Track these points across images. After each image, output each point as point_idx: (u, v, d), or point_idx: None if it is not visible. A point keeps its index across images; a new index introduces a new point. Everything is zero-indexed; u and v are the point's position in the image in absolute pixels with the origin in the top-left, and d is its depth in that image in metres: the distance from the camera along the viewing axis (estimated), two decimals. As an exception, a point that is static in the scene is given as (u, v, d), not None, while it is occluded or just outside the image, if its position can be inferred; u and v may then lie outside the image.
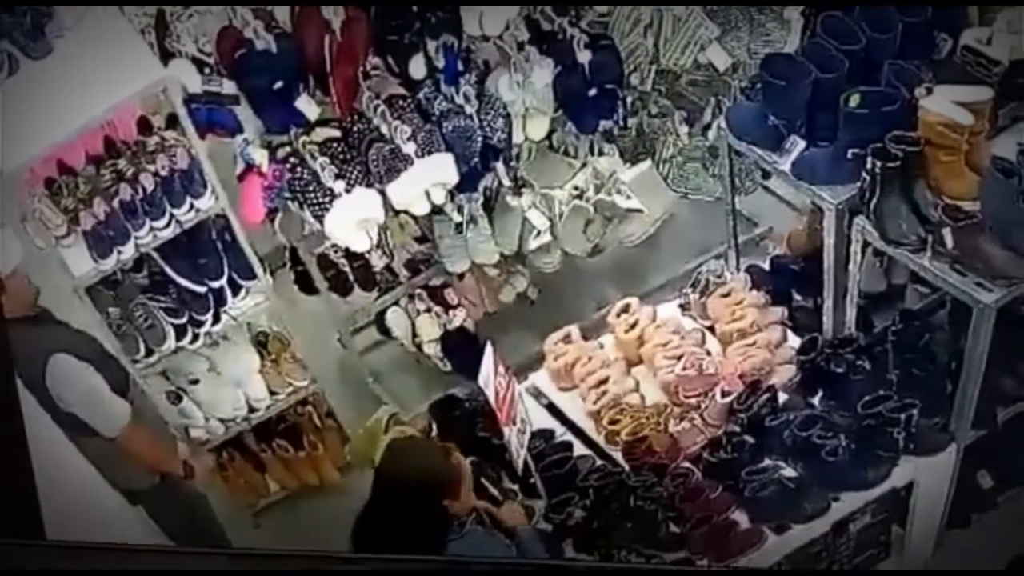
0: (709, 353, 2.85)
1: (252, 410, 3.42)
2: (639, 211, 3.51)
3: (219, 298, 3.18)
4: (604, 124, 3.32)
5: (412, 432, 2.84)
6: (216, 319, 3.18)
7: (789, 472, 2.56)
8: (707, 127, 3.46)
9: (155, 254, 3.06)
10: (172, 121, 2.98)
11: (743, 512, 2.53)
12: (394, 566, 1.99)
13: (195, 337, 3.17)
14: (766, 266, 3.15)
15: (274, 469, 3.58)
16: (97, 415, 2.74)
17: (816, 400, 2.70)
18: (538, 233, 3.26)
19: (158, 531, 2.92)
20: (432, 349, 3.59)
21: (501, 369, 2.43)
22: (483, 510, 2.38)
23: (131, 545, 2.29)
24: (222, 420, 3.38)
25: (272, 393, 3.42)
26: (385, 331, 3.69)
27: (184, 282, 3.11)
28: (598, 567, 2.26)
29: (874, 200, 2.46)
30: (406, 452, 2.26)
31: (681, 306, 3.07)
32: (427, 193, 3.11)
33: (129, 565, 1.74)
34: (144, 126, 3.01)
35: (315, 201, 3.11)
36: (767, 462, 2.60)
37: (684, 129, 3.46)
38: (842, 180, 2.57)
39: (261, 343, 3.47)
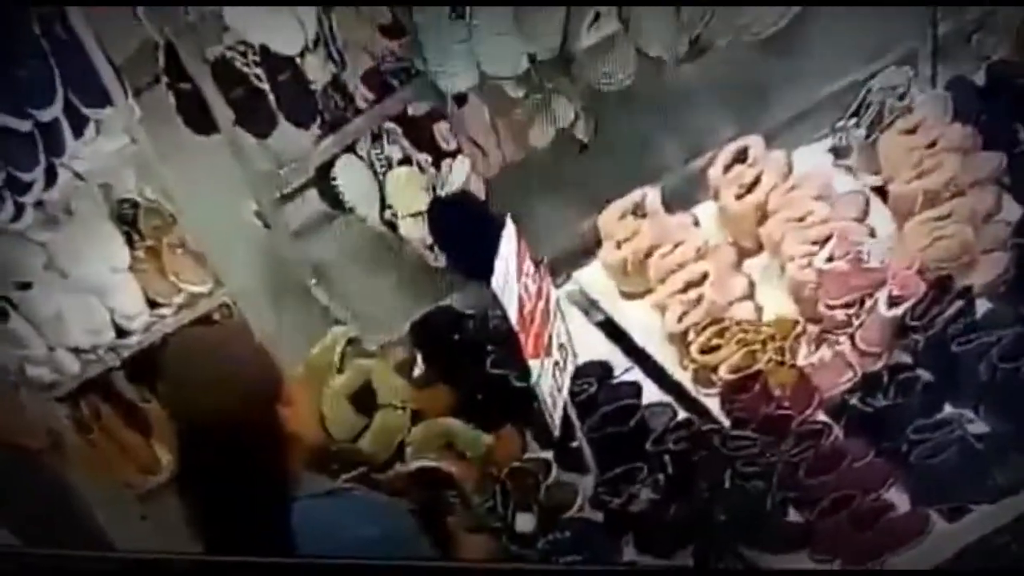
0: (874, 233, 3.20)
1: (122, 333, 3.76)
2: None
3: (53, 141, 3.46)
4: None
5: (378, 365, 3.29)
6: (51, 178, 3.47)
7: (980, 427, 2.90)
8: None
9: None
10: None
11: (902, 490, 2.90)
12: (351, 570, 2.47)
13: (19, 210, 3.47)
14: (980, 80, 3.41)
15: (165, 428, 3.74)
16: None
17: (1034, 311, 3.01)
18: (597, 18, 3.51)
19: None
20: (413, 229, 3.87)
21: (528, 264, 2.71)
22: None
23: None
24: (75, 350, 3.72)
25: (153, 305, 3.77)
26: (334, 198, 3.97)
27: None
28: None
29: None
30: (185, 352, 2.56)
31: (833, 150, 3.40)
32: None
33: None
34: None
35: None
36: (948, 411, 2.95)
37: None
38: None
39: (127, 220, 3.82)
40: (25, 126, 3.46)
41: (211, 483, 2.55)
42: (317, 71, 3.78)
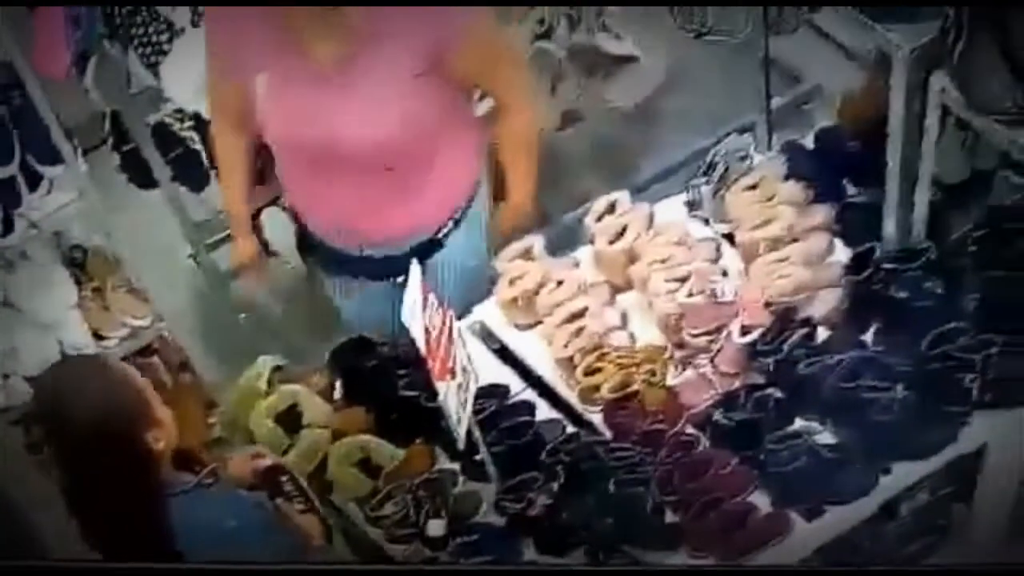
0: (726, 273, 3.06)
1: None
2: (632, 59, 3.69)
3: (9, 194, 3.30)
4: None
5: (301, 390, 3.06)
6: (8, 227, 3.31)
7: (827, 437, 2.79)
8: (735, -68, 3.61)
9: None
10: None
11: (764, 492, 2.77)
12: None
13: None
14: (809, 143, 3.34)
15: None
16: None
17: (868, 337, 2.92)
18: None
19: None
20: None
21: (433, 299, 2.58)
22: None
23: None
24: (28, 379, 3.52)
25: (98, 338, 3.60)
26: (261, 242, 3.86)
27: None
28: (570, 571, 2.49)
29: (959, 47, 2.63)
30: (50, 392, 2.41)
31: (688, 204, 3.25)
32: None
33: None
34: None
35: (146, 40, 3.24)
36: (799, 424, 2.83)
37: (703, -67, 3.61)
38: (917, 16, 2.73)
39: (76, 264, 3.64)
40: None
41: (93, 498, 2.39)
42: None
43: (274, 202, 3.73)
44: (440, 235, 3.05)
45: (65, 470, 2.41)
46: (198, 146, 3.62)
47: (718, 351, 2.92)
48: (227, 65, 2.89)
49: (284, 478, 2.66)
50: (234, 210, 3.23)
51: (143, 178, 3.65)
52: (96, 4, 3.26)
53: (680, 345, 3.00)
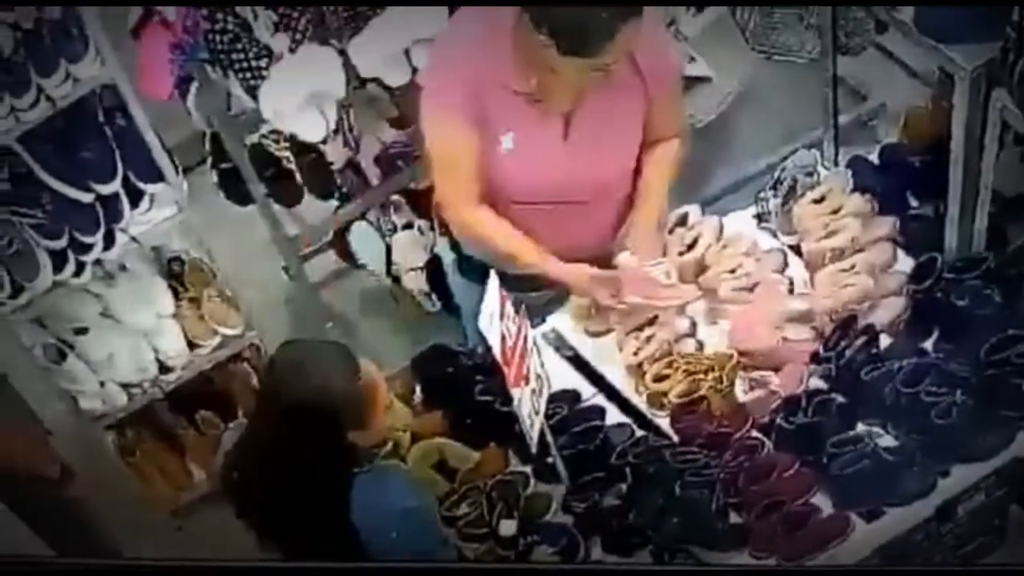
0: (792, 282, 3.12)
1: (165, 370, 3.69)
2: (705, 79, 3.76)
3: (112, 210, 3.40)
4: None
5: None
6: (109, 241, 3.42)
7: (887, 441, 2.84)
8: (804, -43, 3.67)
9: (18, 146, 3.27)
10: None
11: (826, 494, 2.82)
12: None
13: (80, 267, 3.41)
14: (874, 159, 3.39)
15: (198, 451, 3.86)
16: None
17: (929, 344, 2.97)
18: None
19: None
20: (414, 281, 3.87)
21: (510, 308, 2.64)
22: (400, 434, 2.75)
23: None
24: (124, 385, 3.66)
25: (192, 346, 3.70)
26: (349, 256, 3.95)
27: (61, 187, 3.33)
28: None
29: (1020, 65, 2.68)
30: (294, 365, 2.46)
31: (757, 217, 3.32)
32: (407, 52, 3.33)
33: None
34: (-4, -42, 3.17)
35: (246, 65, 3.31)
36: (860, 428, 2.88)
37: (773, -40, 3.68)
38: (979, 36, 2.80)
39: (175, 275, 3.74)
40: (88, 198, 3.40)
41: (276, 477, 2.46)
42: (336, 154, 3.78)
43: (363, 217, 3.88)
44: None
45: (263, 445, 2.47)
46: (292, 165, 3.72)
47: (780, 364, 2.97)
48: (471, 117, 2.86)
49: None
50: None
51: (240, 195, 3.75)
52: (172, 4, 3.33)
53: (747, 353, 3.03)
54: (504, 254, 3.01)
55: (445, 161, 2.97)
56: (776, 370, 2.99)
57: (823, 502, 2.82)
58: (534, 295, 3.13)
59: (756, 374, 2.99)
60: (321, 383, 2.42)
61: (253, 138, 3.69)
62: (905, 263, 3.11)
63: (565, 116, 2.91)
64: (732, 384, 3.01)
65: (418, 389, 3.21)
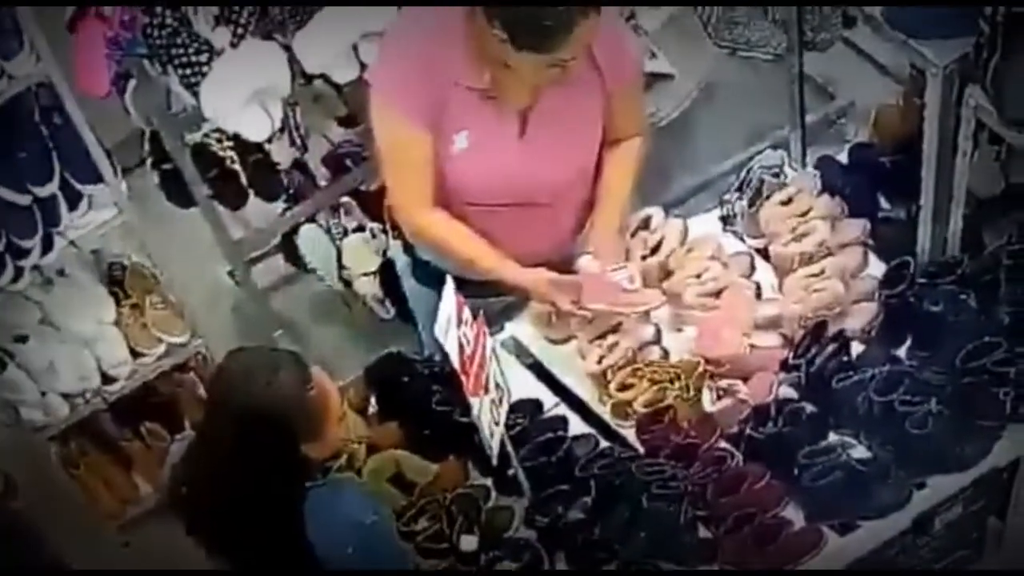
0: (760, 287, 3.04)
1: (108, 380, 3.62)
2: (667, 76, 3.69)
3: (50, 213, 3.33)
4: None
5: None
6: (47, 246, 3.34)
7: (861, 452, 2.76)
8: (769, -52, 3.59)
9: None
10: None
11: (798, 507, 2.74)
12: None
13: (17, 273, 3.33)
14: (843, 159, 3.32)
15: (144, 463, 3.80)
16: None
17: (902, 352, 2.90)
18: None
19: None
20: (367, 286, 3.79)
21: (467, 314, 2.57)
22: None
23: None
24: (65, 395, 3.58)
25: (136, 355, 3.62)
26: (297, 260, 3.87)
27: None
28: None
29: (994, 62, 2.60)
30: (243, 374, 2.38)
31: (723, 219, 3.23)
32: (355, 47, 3.23)
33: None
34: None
35: (186, 60, 3.20)
36: (832, 439, 2.80)
37: (736, -50, 3.58)
38: (952, 31, 2.72)
39: (115, 281, 3.66)
40: (25, 200, 3.33)
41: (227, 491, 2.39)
42: (283, 154, 3.69)
43: (312, 219, 3.79)
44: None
45: (213, 458, 2.39)
46: (236, 166, 3.64)
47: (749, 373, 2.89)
48: (423, 119, 2.76)
49: None
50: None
51: (182, 196, 3.65)
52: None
53: (713, 361, 2.94)
54: (460, 258, 2.91)
55: (396, 161, 2.85)
56: (744, 379, 2.90)
57: (795, 515, 2.76)
58: (492, 301, 3.04)
59: (724, 383, 2.91)
60: (271, 392, 2.33)
61: (195, 137, 3.60)
62: (877, 267, 3.05)
63: (521, 113, 2.80)
64: (699, 393, 2.93)
65: (373, 399, 3.11)
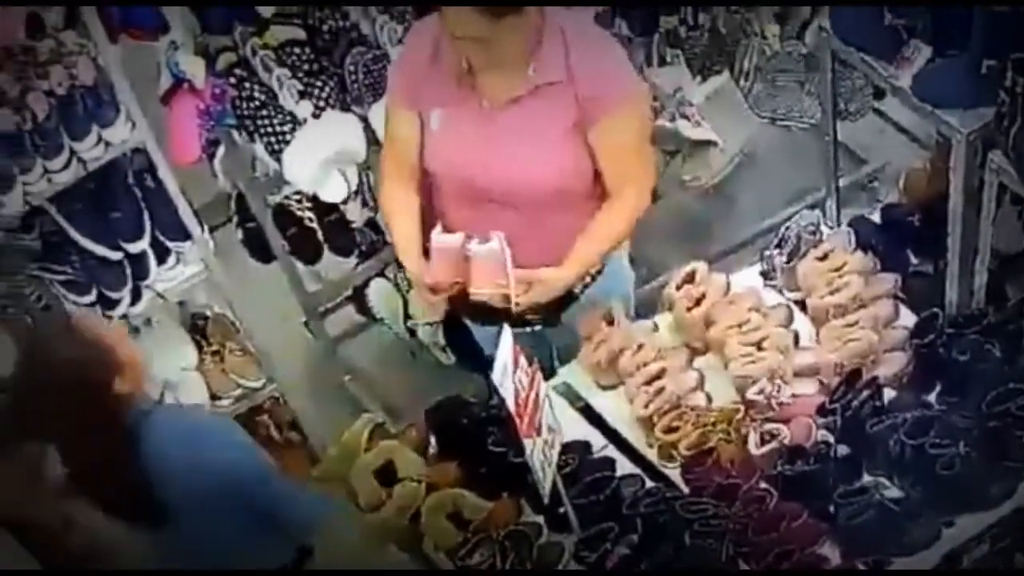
0: (798, 336, 3.15)
1: None
2: (711, 142, 3.81)
3: (139, 268, 3.43)
4: (665, 22, 3.60)
5: (398, 446, 3.19)
6: (136, 297, 3.44)
7: (893, 492, 2.85)
8: (804, 27, 3.73)
9: (50, 207, 3.30)
10: (71, 19, 3.19)
11: (834, 545, 2.82)
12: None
13: (108, 321, 3.38)
14: (876, 218, 3.44)
15: None
16: None
17: (932, 397, 2.99)
18: None
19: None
20: (430, 335, 3.89)
21: (523, 361, 2.66)
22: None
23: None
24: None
25: (214, 398, 3.71)
26: (367, 311, 3.98)
27: (91, 245, 3.35)
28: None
29: (1015, 129, 2.72)
30: (26, 355, 2.56)
31: (763, 274, 3.35)
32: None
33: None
34: (33, 25, 3.14)
35: (271, 130, 3.37)
36: (866, 479, 2.89)
37: (774, 29, 3.73)
38: (975, 102, 2.84)
39: (198, 330, 3.77)
40: (116, 256, 3.42)
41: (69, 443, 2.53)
42: (356, 214, 3.80)
43: (380, 274, 3.91)
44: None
45: (43, 422, 2.54)
46: (313, 224, 3.75)
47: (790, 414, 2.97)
48: (406, 97, 2.95)
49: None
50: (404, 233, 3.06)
51: (263, 252, 3.79)
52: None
53: (754, 406, 3.04)
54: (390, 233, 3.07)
55: (385, 136, 3.07)
56: (786, 422, 2.99)
57: (831, 552, 2.82)
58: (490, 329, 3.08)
59: (769, 427, 2.99)
60: (48, 351, 2.52)
61: (276, 199, 3.73)
62: (907, 318, 3.14)
63: (496, 110, 2.89)
64: (742, 435, 3.01)
65: (433, 440, 3.21)
